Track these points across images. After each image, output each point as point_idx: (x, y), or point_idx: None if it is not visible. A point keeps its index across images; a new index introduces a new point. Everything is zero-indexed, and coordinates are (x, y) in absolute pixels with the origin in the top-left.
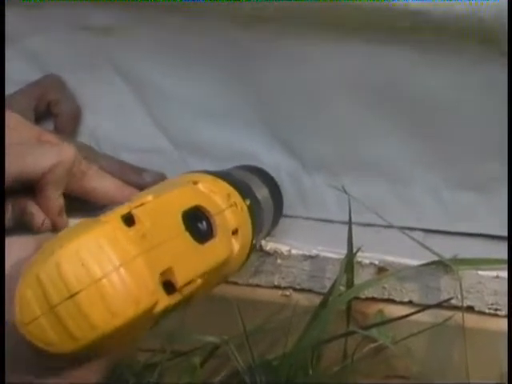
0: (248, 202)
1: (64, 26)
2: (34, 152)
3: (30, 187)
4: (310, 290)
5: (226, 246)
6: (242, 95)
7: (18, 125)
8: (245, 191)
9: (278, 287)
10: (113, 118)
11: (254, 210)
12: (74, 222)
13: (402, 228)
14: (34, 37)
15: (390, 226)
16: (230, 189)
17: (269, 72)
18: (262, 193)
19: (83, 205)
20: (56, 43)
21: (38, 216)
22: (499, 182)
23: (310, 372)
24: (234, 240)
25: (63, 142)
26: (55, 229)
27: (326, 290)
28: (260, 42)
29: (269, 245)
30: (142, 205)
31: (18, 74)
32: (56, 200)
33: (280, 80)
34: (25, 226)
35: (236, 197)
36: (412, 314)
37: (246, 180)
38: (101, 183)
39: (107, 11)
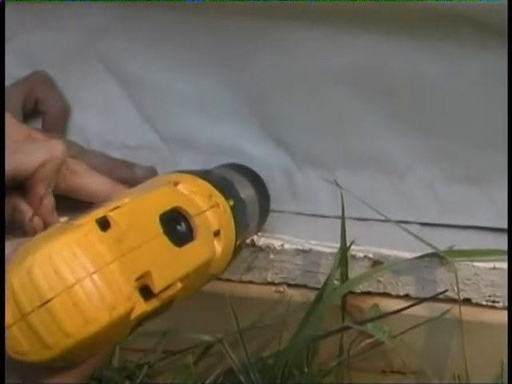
0: (231, 202)
1: (53, 24)
2: (25, 149)
3: (22, 185)
4: (304, 286)
5: (207, 247)
6: (233, 89)
7: (8, 123)
8: (228, 191)
9: (271, 283)
10: (102, 115)
11: (238, 210)
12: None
13: (397, 222)
14: (23, 34)
15: (385, 221)
16: (212, 189)
17: (259, 65)
18: (247, 192)
19: (75, 203)
20: (45, 40)
21: (28, 213)
22: (496, 173)
23: (306, 369)
24: (216, 242)
25: (52, 140)
26: (46, 227)
27: (320, 285)
28: (251, 33)
29: (261, 240)
30: (117, 207)
31: (8, 71)
32: (46, 197)
33: (271, 73)
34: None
35: (218, 197)
36: (407, 308)
37: (230, 179)
38: (90, 181)
39: (96, 8)
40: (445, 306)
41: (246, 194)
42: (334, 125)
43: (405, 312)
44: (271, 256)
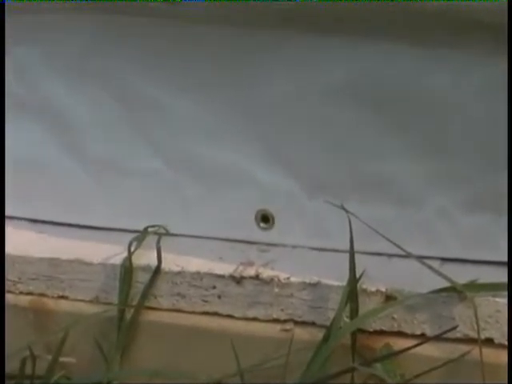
0: None
1: (46, 37)
2: None
3: None
4: (312, 323)
5: None
6: (237, 111)
7: None
8: None
9: (277, 320)
10: (100, 136)
11: None
12: None
13: (418, 257)
14: (19, 47)
15: (403, 256)
16: None
17: (263, 83)
18: None
19: None
20: (38, 55)
21: None
22: None
23: None
24: None
25: None
26: None
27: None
28: (252, 52)
29: (265, 272)
30: None
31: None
32: None
33: (275, 92)
34: None
35: None
36: (418, 346)
37: None
38: None
39: (93, 24)
40: (464, 347)
41: None
42: (344, 148)
43: (420, 353)
44: (276, 290)
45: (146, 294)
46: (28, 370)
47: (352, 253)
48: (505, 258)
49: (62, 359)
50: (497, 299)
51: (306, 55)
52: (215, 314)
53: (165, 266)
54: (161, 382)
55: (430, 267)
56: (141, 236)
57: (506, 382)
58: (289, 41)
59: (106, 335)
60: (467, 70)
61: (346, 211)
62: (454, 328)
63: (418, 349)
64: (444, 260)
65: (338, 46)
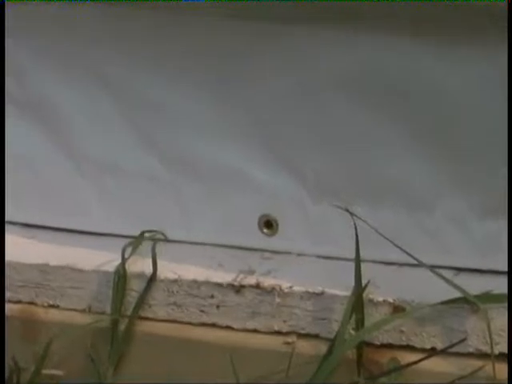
0: None
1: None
2: None
3: None
4: (316, 336)
5: None
6: (239, 112)
7: None
8: None
9: (278, 333)
10: (95, 134)
11: None
12: None
13: (430, 267)
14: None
15: (415, 265)
16: None
17: (265, 79)
18: None
19: None
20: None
21: None
22: None
23: None
24: None
25: None
26: None
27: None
28: (251, 45)
29: (267, 281)
30: None
31: None
32: None
33: (279, 93)
34: None
35: None
36: (425, 359)
37: None
38: None
39: (91, 18)
40: (476, 362)
41: None
42: (351, 150)
43: (430, 369)
44: (277, 300)
45: (140, 303)
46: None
47: (358, 260)
48: None
49: (49, 372)
50: None
51: (308, 50)
52: (213, 325)
53: (160, 273)
54: None
55: (443, 277)
56: (135, 241)
57: None
58: (292, 34)
59: (98, 346)
60: (476, 66)
61: (352, 214)
62: (463, 341)
63: (427, 364)
64: (458, 270)
65: (344, 38)
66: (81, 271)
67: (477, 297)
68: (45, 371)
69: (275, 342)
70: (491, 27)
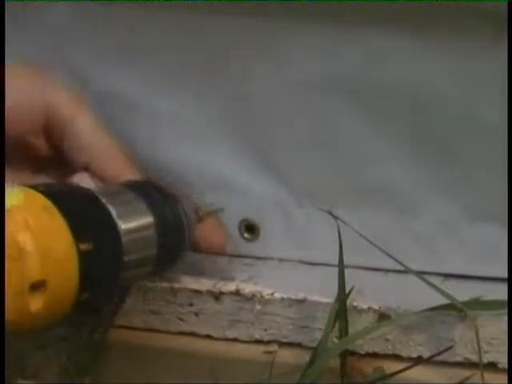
0: (84, 247)
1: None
2: None
3: None
4: (298, 345)
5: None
6: (219, 111)
7: None
8: (83, 231)
9: (259, 341)
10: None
11: (97, 255)
12: None
13: (417, 272)
14: None
15: (401, 271)
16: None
17: (248, 81)
18: (135, 222)
19: None
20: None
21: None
22: None
23: None
24: (32, 295)
25: None
26: None
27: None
28: (240, 43)
29: (247, 287)
30: None
31: None
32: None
33: (260, 91)
34: None
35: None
36: (410, 368)
37: (112, 206)
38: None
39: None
40: (464, 372)
41: (133, 225)
42: (337, 151)
43: (416, 378)
44: (258, 307)
45: (115, 310)
46: None
47: (341, 265)
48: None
49: (23, 382)
50: (503, 318)
51: (297, 49)
52: (192, 333)
53: None
54: None
55: (430, 284)
56: None
57: None
58: (284, 32)
59: (72, 357)
60: (468, 64)
61: (335, 218)
62: (449, 348)
63: (414, 374)
64: (447, 276)
65: (334, 37)
66: None
67: (465, 303)
68: (19, 382)
69: (255, 352)
70: (491, 28)
